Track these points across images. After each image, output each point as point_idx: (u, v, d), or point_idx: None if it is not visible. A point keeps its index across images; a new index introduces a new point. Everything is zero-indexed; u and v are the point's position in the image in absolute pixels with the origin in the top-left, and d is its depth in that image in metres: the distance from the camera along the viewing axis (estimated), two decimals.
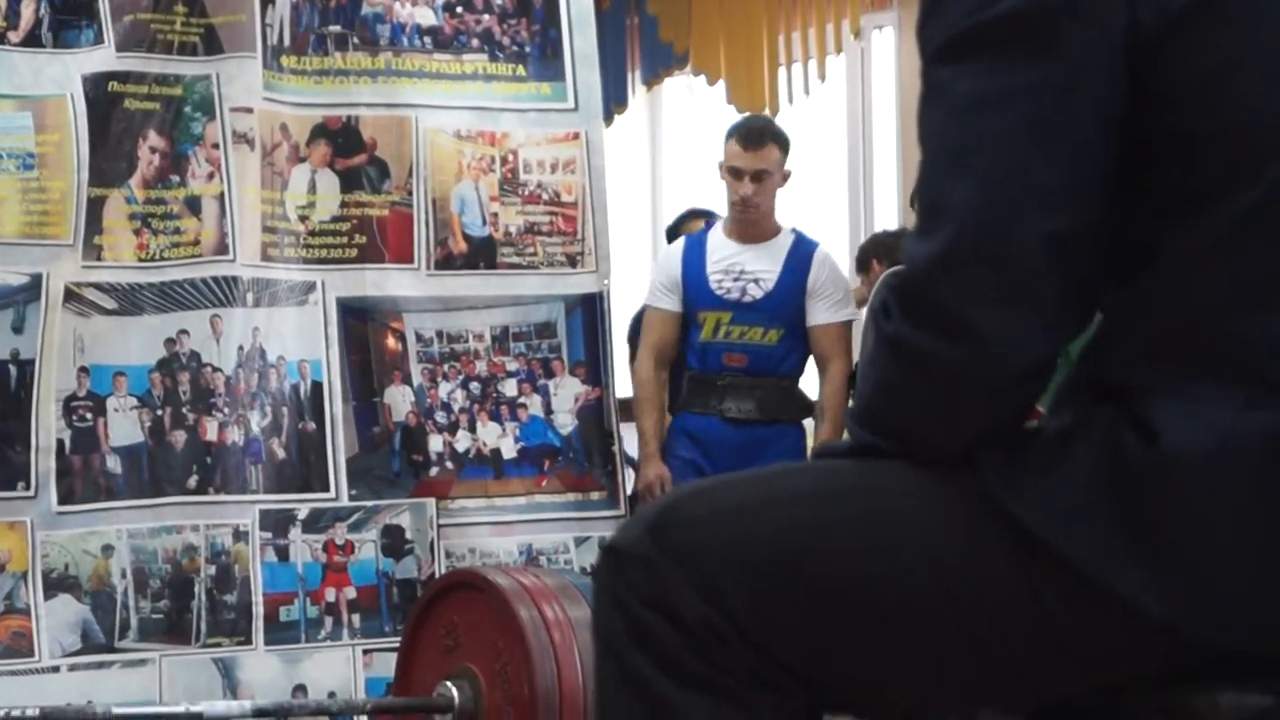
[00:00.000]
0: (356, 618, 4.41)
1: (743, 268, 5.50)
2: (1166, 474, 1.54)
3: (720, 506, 1.70)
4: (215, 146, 4.33)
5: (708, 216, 6.71)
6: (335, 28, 4.50)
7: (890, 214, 8.30)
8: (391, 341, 4.53)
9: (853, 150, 8.70)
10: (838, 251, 6.10)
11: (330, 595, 4.40)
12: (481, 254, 4.60)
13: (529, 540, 4.56)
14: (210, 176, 4.33)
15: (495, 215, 4.61)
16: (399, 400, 4.52)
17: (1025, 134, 1.55)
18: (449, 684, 3.93)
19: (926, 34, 1.62)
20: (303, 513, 4.38)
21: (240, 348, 4.33)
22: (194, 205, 4.33)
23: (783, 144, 5.54)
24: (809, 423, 5.64)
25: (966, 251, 1.57)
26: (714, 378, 5.50)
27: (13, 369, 4.14)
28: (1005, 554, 1.59)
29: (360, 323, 4.50)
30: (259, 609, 4.30)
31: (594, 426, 4.64)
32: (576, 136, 4.68)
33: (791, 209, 5.77)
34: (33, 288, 4.15)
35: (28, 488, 4.14)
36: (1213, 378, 1.56)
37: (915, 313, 1.60)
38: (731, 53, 8.85)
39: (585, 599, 3.85)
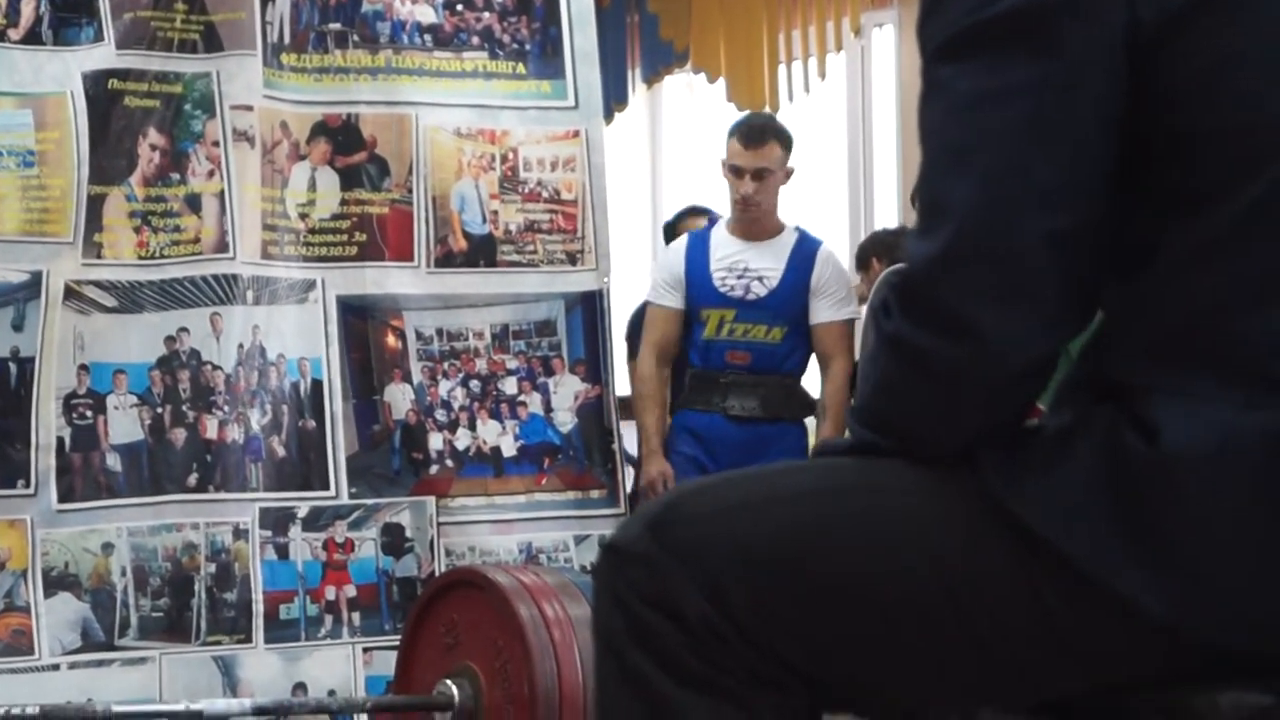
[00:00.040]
0: (356, 616, 4.41)
1: (746, 265, 5.51)
2: (1166, 473, 1.54)
3: (720, 505, 1.70)
4: (215, 144, 4.33)
5: (706, 214, 6.71)
6: (335, 25, 4.51)
7: (890, 212, 8.29)
8: (391, 339, 4.53)
9: (853, 148, 8.70)
10: (838, 249, 6.09)
11: (330, 593, 4.40)
12: (481, 252, 4.60)
13: (529, 538, 4.56)
14: (210, 174, 4.33)
15: (495, 213, 4.61)
16: (399, 398, 4.52)
17: (1025, 132, 1.55)
18: (449, 682, 3.93)
19: (927, 32, 1.62)
20: (303, 511, 4.38)
21: (240, 345, 4.33)
22: (194, 203, 4.33)
23: (785, 142, 5.54)
24: (811, 421, 5.64)
25: (967, 250, 1.57)
26: (717, 375, 5.50)
27: (13, 366, 4.14)
28: (1005, 552, 1.59)
29: (360, 320, 4.50)
30: (259, 607, 4.30)
31: (594, 425, 4.64)
32: (576, 134, 4.68)
33: (792, 207, 5.76)
34: (33, 285, 4.15)
35: (28, 485, 4.14)
36: (1213, 377, 1.56)
37: (915, 311, 1.60)
38: (732, 50, 8.85)
39: (585, 597, 3.85)
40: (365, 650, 4.41)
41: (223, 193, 4.32)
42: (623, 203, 7.25)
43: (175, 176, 4.32)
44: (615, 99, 8.64)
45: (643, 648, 1.64)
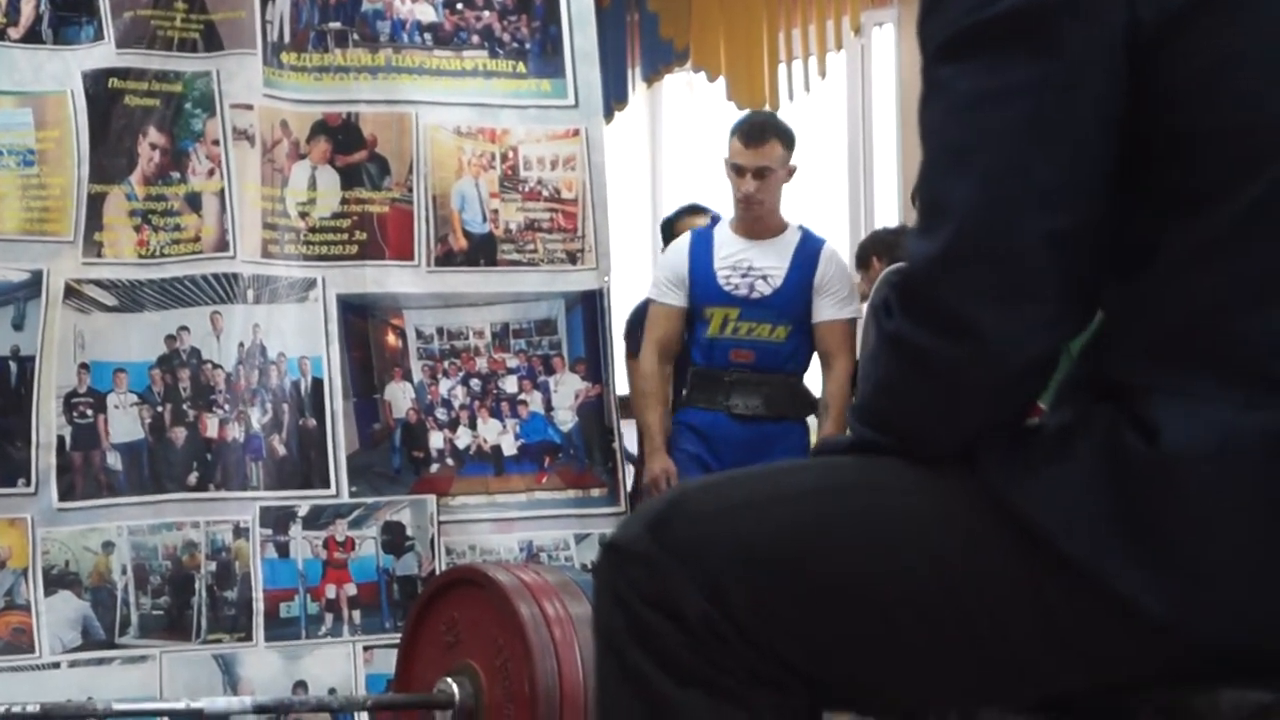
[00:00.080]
0: (357, 614, 4.42)
1: (751, 264, 5.51)
2: (1166, 473, 1.54)
3: (721, 504, 1.70)
4: (215, 143, 4.33)
5: (705, 213, 6.71)
6: (335, 24, 4.51)
7: (890, 211, 8.29)
8: (392, 338, 4.53)
9: (853, 147, 8.70)
10: (838, 248, 6.09)
11: (331, 592, 4.40)
12: (482, 251, 4.60)
13: (529, 537, 4.56)
14: (210, 173, 4.33)
15: (495, 212, 4.61)
16: (399, 397, 4.52)
17: (1026, 132, 1.55)
18: (449, 680, 3.93)
19: (927, 32, 1.63)
20: (303, 509, 4.38)
21: (241, 344, 4.34)
22: (194, 202, 4.33)
23: (786, 140, 5.54)
24: (813, 419, 5.64)
25: (967, 249, 1.57)
26: (721, 373, 5.50)
27: (13, 365, 4.14)
28: (1006, 551, 1.59)
29: (360, 319, 4.50)
30: (259, 605, 4.30)
31: (594, 423, 4.65)
32: (577, 133, 4.68)
33: (792, 206, 5.76)
34: (33, 284, 4.15)
35: (28, 484, 4.14)
36: (1213, 376, 1.56)
37: (916, 310, 1.60)
38: (732, 49, 8.85)
39: (586, 596, 3.85)
40: (366, 648, 4.41)
41: (223, 191, 4.32)
42: (623, 202, 7.25)
43: (175, 175, 4.32)
44: (615, 98, 8.64)
45: (643, 647, 1.64)
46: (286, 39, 4.43)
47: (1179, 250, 1.59)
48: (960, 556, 1.61)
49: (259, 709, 4.01)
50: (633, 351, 6.16)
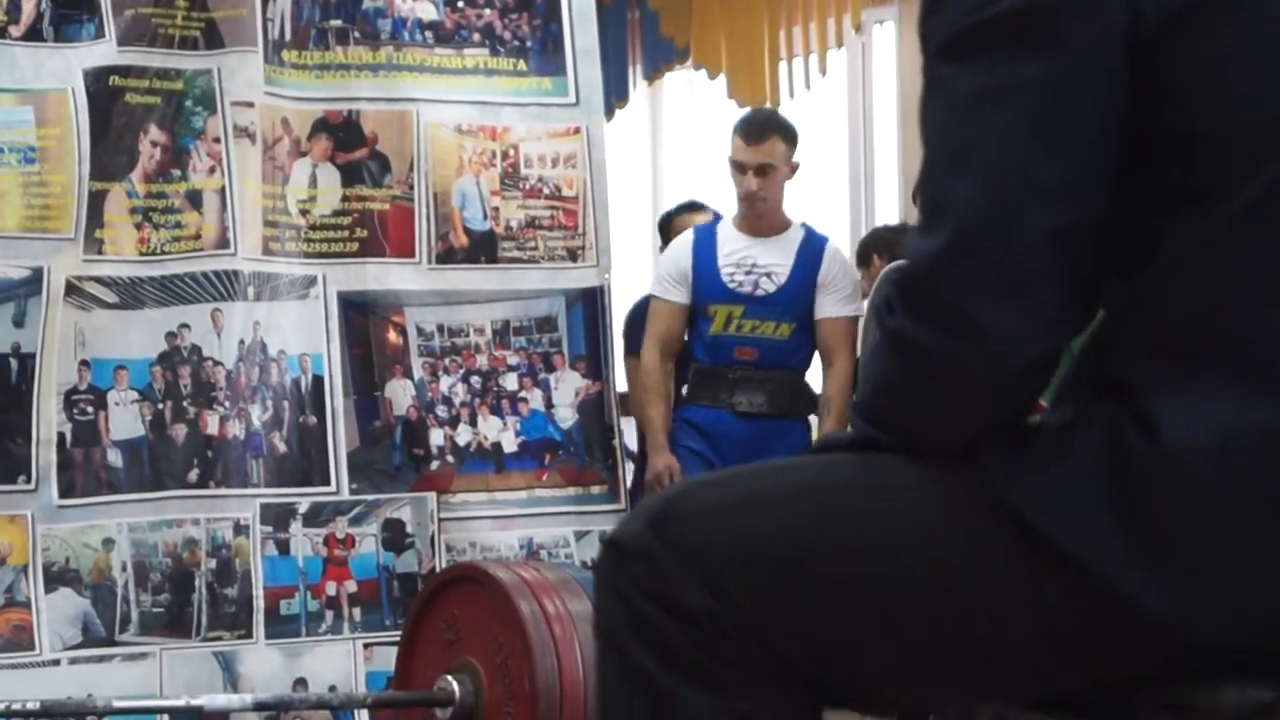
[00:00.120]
0: (357, 611, 4.42)
1: (754, 261, 5.51)
2: (1167, 470, 1.54)
3: (721, 502, 1.70)
4: (216, 140, 4.33)
5: (703, 210, 6.70)
6: (336, 22, 4.50)
7: (891, 209, 8.29)
8: (392, 335, 4.53)
9: (854, 145, 8.70)
10: (839, 246, 6.09)
11: (331, 589, 4.40)
12: (482, 248, 4.60)
13: (529, 534, 4.56)
14: (211, 170, 4.33)
15: (496, 209, 4.61)
16: (400, 394, 4.52)
17: (1026, 130, 1.55)
18: (450, 678, 3.94)
19: (927, 31, 1.63)
20: (303, 506, 4.39)
21: (241, 341, 4.34)
22: (195, 199, 4.33)
23: (788, 137, 5.54)
24: (814, 417, 5.64)
25: (969, 248, 1.57)
26: (724, 371, 5.50)
27: (14, 362, 4.14)
28: (1006, 550, 1.59)
29: (361, 317, 4.50)
30: (259, 603, 4.30)
31: (595, 421, 4.65)
32: (577, 131, 4.68)
33: (793, 203, 5.76)
34: (34, 281, 4.15)
35: (28, 481, 4.14)
36: (1214, 374, 1.56)
37: (917, 308, 1.61)
38: (732, 47, 8.85)
39: (586, 593, 3.85)
40: (366, 646, 4.41)
41: (224, 189, 4.32)
42: (623, 199, 7.24)
43: (176, 173, 4.32)
44: (616, 96, 8.64)
45: (644, 643, 1.64)
46: (287, 36, 4.43)
47: (1180, 248, 1.59)
48: (960, 556, 1.61)
49: (259, 706, 4.01)
50: (631, 349, 6.15)
